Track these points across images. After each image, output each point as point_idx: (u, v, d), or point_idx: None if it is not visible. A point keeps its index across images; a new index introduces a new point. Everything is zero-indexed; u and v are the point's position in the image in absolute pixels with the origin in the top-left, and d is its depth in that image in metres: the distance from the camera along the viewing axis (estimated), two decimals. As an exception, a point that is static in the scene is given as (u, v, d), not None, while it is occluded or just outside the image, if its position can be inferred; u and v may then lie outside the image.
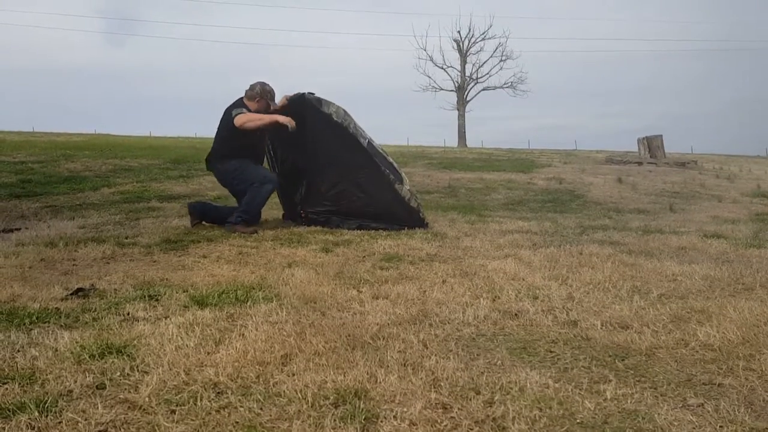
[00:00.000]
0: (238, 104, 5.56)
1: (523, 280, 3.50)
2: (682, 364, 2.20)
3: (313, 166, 5.72)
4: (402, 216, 5.63)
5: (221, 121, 5.62)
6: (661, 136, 19.21)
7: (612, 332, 2.55)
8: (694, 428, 1.69)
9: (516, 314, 2.81)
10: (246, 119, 5.36)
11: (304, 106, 5.67)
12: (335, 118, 5.57)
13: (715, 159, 24.60)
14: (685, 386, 1.99)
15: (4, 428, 1.62)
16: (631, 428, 1.69)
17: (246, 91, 5.62)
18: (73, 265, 3.85)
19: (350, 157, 5.63)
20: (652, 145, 18.74)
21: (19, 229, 5.43)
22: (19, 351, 2.20)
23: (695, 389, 1.97)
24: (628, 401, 1.86)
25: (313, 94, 5.70)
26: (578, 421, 1.73)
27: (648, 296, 3.14)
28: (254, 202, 5.46)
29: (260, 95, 5.57)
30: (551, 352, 2.32)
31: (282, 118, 5.41)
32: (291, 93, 5.74)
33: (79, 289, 3.11)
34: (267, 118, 5.45)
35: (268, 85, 5.63)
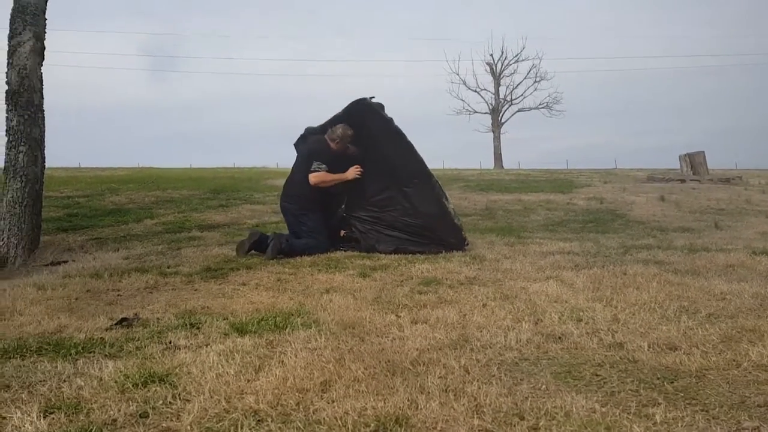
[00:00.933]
0: (321, 148, 5.85)
1: (566, 302, 3.43)
2: (735, 385, 2.12)
3: (364, 169, 5.79)
4: (444, 233, 5.62)
5: (303, 160, 5.91)
6: (704, 152, 18.80)
7: (660, 354, 2.47)
8: (751, 453, 1.62)
9: (560, 337, 2.75)
10: (320, 180, 5.74)
11: (365, 108, 5.79)
12: (395, 124, 5.68)
13: (760, 174, 23.89)
14: (738, 409, 1.91)
15: (50, 457, 1.64)
16: (683, 454, 1.62)
17: (328, 131, 5.90)
18: (118, 295, 3.92)
19: (403, 165, 5.72)
20: (694, 161, 18.35)
21: (66, 261, 5.58)
22: (65, 381, 2.24)
23: (749, 412, 1.89)
24: (679, 425, 1.79)
25: (373, 98, 5.81)
26: (627, 446, 1.67)
27: (696, 316, 3.04)
28: (306, 249, 5.56)
29: (340, 138, 5.86)
30: (597, 375, 2.26)
31: (351, 174, 5.79)
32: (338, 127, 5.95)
33: (124, 319, 3.17)
34: (338, 178, 5.79)
35: (350, 129, 5.89)
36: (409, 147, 5.73)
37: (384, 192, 5.74)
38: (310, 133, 6.14)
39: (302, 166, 5.89)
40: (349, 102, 5.90)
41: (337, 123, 5.90)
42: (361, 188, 5.87)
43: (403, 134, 5.73)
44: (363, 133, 5.82)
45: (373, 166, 5.79)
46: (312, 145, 5.95)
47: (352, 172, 5.78)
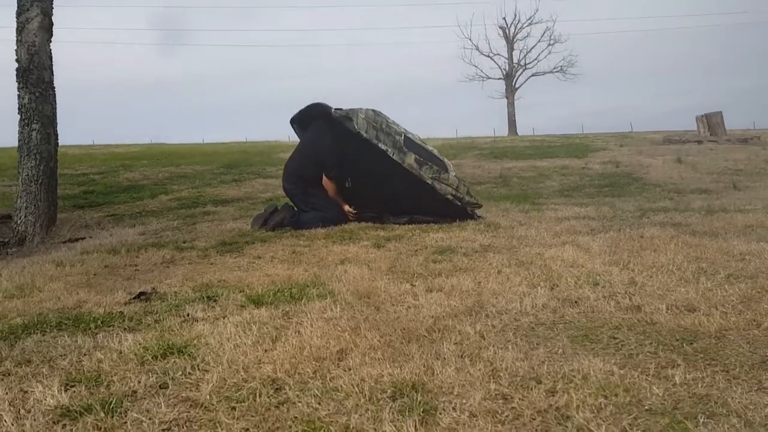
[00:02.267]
0: (334, 151, 5.81)
1: (582, 266, 3.41)
2: (755, 345, 2.09)
3: (354, 175, 5.78)
4: (449, 213, 5.59)
5: (313, 154, 5.88)
6: (721, 112, 18.49)
7: (678, 315, 2.45)
8: (772, 412, 1.60)
9: (576, 301, 2.73)
10: (329, 188, 5.82)
11: (334, 123, 5.73)
12: (365, 135, 5.51)
13: (780, 133, 23.43)
14: (759, 368, 1.89)
15: (72, 429, 1.66)
16: (703, 413, 1.61)
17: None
18: (135, 270, 3.96)
19: (384, 168, 5.59)
20: (711, 122, 18.05)
21: (84, 238, 5.64)
22: (85, 354, 2.27)
23: (771, 372, 1.87)
24: (699, 385, 1.78)
25: (340, 110, 5.67)
26: (646, 407, 1.66)
27: (715, 277, 3.00)
28: (315, 222, 5.55)
29: None
30: (614, 338, 2.25)
31: (345, 209, 5.86)
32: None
33: (141, 293, 3.20)
34: (339, 201, 5.86)
35: None
36: (383, 153, 5.53)
37: (382, 193, 5.75)
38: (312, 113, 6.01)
39: (311, 158, 5.89)
40: (313, 102, 5.86)
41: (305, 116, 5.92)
42: (361, 193, 5.90)
43: (375, 143, 5.53)
44: (341, 146, 5.80)
45: (360, 174, 5.78)
46: (329, 149, 5.83)
47: (347, 210, 5.83)
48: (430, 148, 5.88)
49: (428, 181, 5.51)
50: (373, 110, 5.70)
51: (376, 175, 5.64)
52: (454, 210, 5.60)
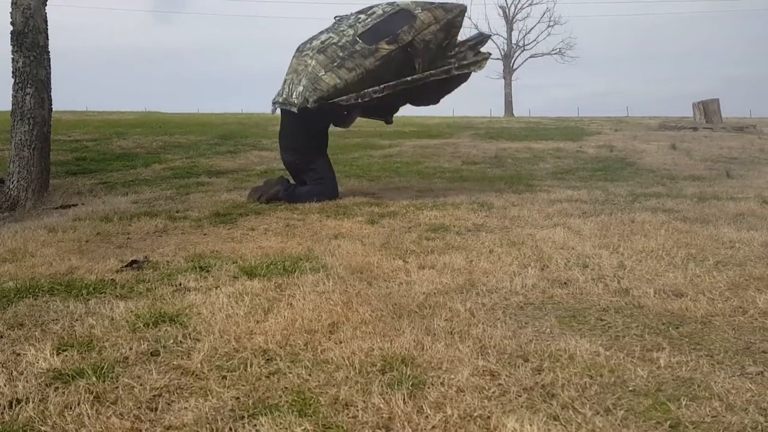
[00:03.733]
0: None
1: (573, 248, 3.43)
2: (740, 331, 2.13)
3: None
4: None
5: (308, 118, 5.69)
6: (718, 100, 18.47)
7: (666, 300, 2.48)
8: (753, 396, 1.64)
9: (565, 283, 2.76)
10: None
11: None
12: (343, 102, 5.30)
13: (775, 123, 23.46)
14: (743, 354, 1.93)
15: (64, 392, 1.68)
16: (685, 396, 1.64)
17: None
18: (128, 238, 3.96)
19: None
20: (708, 109, 18.05)
21: (76, 204, 5.62)
22: (77, 320, 2.29)
23: (754, 357, 1.90)
24: (683, 369, 1.81)
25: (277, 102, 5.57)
26: (630, 388, 1.69)
27: (704, 263, 3.04)
28: (311, 196, 5.50)
29: None
30: (602, 320, 2.28)
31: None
32: None
33: (134, 261, 3.20)
34: None
35: None
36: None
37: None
38: None
39: (292, 128, 5.79)
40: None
41: None
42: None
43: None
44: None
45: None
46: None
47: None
48: (381, 11, 5.66)
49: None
50: (296, 51, 5.65)
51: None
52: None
